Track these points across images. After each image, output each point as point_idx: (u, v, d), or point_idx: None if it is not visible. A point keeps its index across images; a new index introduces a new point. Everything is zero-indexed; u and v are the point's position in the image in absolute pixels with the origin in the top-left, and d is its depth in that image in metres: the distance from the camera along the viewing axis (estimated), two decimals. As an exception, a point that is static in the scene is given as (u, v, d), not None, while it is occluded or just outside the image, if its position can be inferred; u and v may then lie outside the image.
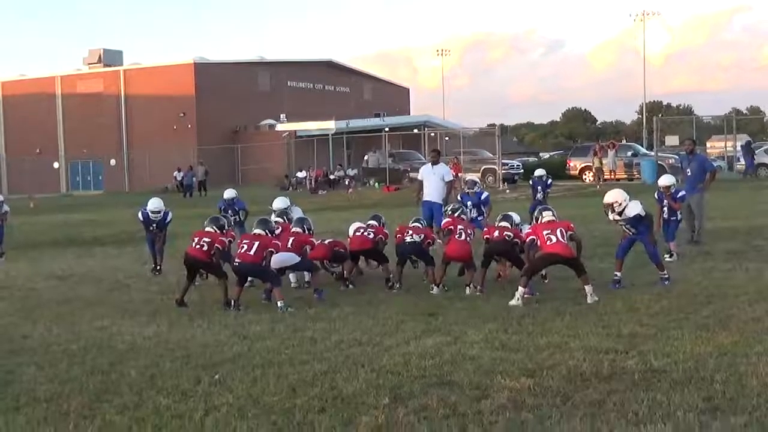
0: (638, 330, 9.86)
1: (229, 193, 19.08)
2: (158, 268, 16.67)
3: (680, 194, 16.15)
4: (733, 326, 9.94)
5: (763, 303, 11.11)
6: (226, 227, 13.82)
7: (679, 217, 16.21)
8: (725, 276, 13.63)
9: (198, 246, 12.94)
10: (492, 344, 9.44)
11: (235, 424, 6.94)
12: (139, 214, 16.82)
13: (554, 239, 12.02)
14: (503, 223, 13.48)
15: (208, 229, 13.29)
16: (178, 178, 58.19)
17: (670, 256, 15.43)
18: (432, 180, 19.38)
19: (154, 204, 16.56)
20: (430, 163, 20.14)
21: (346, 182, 52.88)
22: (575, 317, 10.76)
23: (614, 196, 13.18)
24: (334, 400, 7.55)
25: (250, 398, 7.69)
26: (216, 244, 12.90)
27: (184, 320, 11.68)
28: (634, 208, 13.07)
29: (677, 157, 47.77)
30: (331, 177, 56.67)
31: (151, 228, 16.67)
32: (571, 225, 12.54)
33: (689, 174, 18.59)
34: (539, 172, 24.06)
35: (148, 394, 7.96)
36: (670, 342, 9.22)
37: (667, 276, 13.09)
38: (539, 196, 23.01)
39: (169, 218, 16.73)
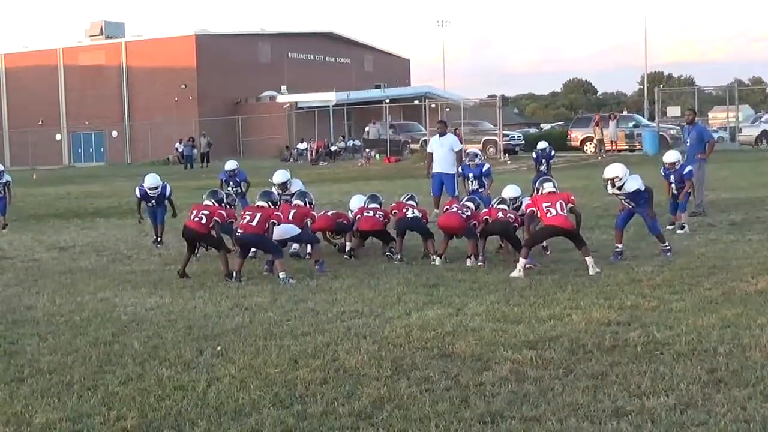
0: (640, 302, 9.86)
1: (230, 165, 19.05)
2: (159, 239, 16.66)
3: (687, 170, 15.98)
4: (737, 298, 9.94)
5: (766, 275, 11.09)
6: (225, 201, 13.83)
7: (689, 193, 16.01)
8: (728, 247, 13.61)
9: (196, 219, 12.93)
10: (493, 316, 9.45)
11: (237, 396, 6.94)
12: (137, 191, 16.76)
13: (554, 212, 11.99)
14: (501, 206, 13.44)
15: (206, 202, 13.29)
16: (180, 150, 58.12)
17: (681, 229, 15.42)
18: (441, 151, 19.48)
19: (151, 180, 16.50)
20: (438, 135, 20.15)
21: (363, 153, 52.48)
22: (577, 289, 10.76)
23: (614, 170, 13.11)
24: (336, 371, 7.57)
25: (252, 369, 7.70)
26: (214, 217, 12.89)
27: (186, 292, 11.68)
28: (634, 183, 13.01)
29: (678, 128, 48.01)
30: (332, 149, 56.60)
31: (151, 204, 16.65)
32: (572, 197, 12.49)
33: (689, 144, 18.60)
34: (542, 144, 23.96)
35: (150, 365, 7.98)
36: (673, 314, 9.23)
37: (669, 248, 13.07)
38: (543, 168, 22.96)
39: (168, 191, 16.66)
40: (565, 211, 12.07)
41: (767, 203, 19.09)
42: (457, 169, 18.84)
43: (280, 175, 15.75)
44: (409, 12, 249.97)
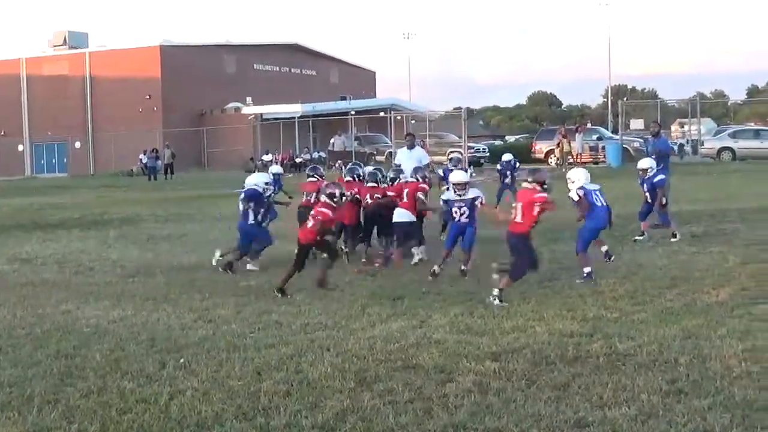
0: (603, 313, 9.93)
1: (276, 169, 19.84)
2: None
3: (657, 178, 16.07)
4: (698, 309, 10.04)
5: (727, 286, 11.22)
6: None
7: (665, 201, 16.14)
8: (690, 259, 13.73)
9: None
10: (457, 328, 9.47)
11: (200, 408, 6.91)
12: (245, 195, 14.88)
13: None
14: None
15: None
16: (144, 161, 57.81)
17: (641, 236, 15.69)
18: (409, 164, 19.47)
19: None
20: (406, 147, 20.20)
21: (337, 164, 52.25)
22: (540, 301, 10.82)
23: (572, 173, 13.29)
24: (300, 384, 7.56)
25: (215, 382, 7.68)
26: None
27: (149, 304, 11.59)
28: (572, 192, 13.07)
29: (642, 140, 48.43)
30: (297, 160, 56.49)
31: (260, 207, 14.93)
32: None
33: (654, 157, 18.77)
34: (507, 156, 24.09)
35: (112, 378, 7.92)
36: (635, 325, 9.30)
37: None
38: (507, 180, 23.08)
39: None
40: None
41: (729, 215, 19.27)
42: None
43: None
44: (375, 24, 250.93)
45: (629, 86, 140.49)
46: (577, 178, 13.03)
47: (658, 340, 8.56)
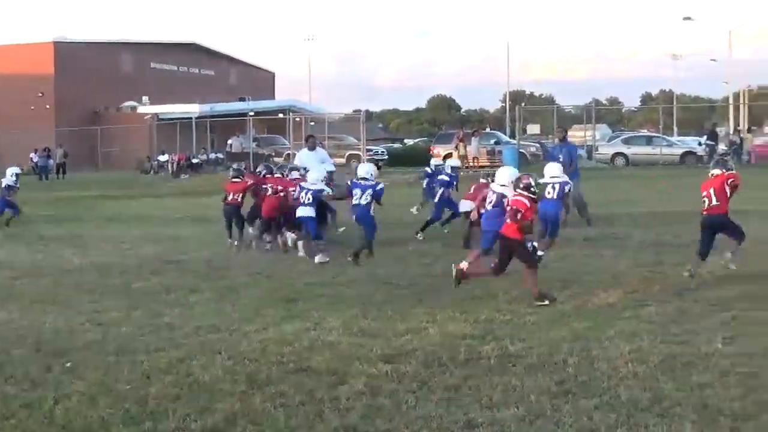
0: (495, 315, 10.02)
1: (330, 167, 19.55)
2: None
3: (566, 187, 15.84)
4: (588, 311, 10.23)
5: (617, 289, 11.44)
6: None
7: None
8: (582, 262, 13.96)
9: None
10: (351, 330, 9.46)
11: (86, 413, 6.77)
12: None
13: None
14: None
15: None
16: (35, 160, 56.46)
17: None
18: (313, 166, 19.48)
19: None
20: (307, 149, 20.08)
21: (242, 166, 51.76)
22: (434, 303, 10.87)
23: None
24: (190, 387, 7.46)
25: (103, 386, 7.51)
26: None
27: (37, 306, 11.31)
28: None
29: (538, 145, 49.24)
30: (194, 161, 55.81)
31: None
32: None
33: (561, 162, 18.98)
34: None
35: (-5, 383, 7.70)
36: (526, 327, 9.43)
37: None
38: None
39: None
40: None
41: (622, 220, 19.68)
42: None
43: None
44: (276, 26, 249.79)
45: (527, 92, 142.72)
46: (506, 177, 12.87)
47: (549, 342, 8.69)
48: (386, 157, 52.06)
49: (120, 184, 24.77)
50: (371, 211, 14.76)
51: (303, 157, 19.57)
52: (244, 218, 16.94)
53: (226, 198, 16.98)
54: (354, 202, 14.84)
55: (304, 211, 15.10)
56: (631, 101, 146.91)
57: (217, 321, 10.11)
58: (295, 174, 16.70)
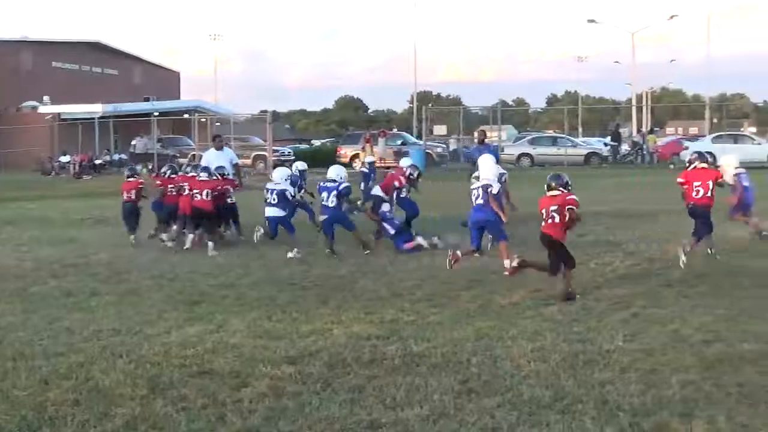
0: (400, 316, 10.05)
1: (302, 165, 20.58)
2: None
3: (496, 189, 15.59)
4: (492, 311, 10.32)
5: (522, 288, 11.54)
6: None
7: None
8: (488, 262, 13.99)
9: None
10: (255, 332, 9.38)
11: (-21, 421, 6.58)
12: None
13: None
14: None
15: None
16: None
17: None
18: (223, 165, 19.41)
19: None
20: (214, 149, 19.91)
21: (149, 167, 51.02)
22: (339, 304, 10.85)
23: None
24: (90, 392, 7.31)
25: (-1, 393, 7.33)
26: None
27: (-70, 311, 10.98)
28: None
29: (444, 146, 49.62)
30: (97, 162, 54.85)
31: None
32: None
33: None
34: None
35: None
36: (431, 327, 9.47)
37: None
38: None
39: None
40: None
41: (528, 221, 19.84)
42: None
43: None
44: (181, 25, 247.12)
45: (434, 93, 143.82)
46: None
47: (453, 342, 8.74)
48: (293, 157, 51.88)
49: (19, 185, 24.15)
50: (342, 209, 15.56)
51: (210, 157, 19.41)
52: (139, 216, 17.25)
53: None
54: (322, 203, 15.30)
55: (272, 211, 15.60)
56: (537, 102, 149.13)
57: (119, 324, 9.93)
58: (204, 175, 16.57)
